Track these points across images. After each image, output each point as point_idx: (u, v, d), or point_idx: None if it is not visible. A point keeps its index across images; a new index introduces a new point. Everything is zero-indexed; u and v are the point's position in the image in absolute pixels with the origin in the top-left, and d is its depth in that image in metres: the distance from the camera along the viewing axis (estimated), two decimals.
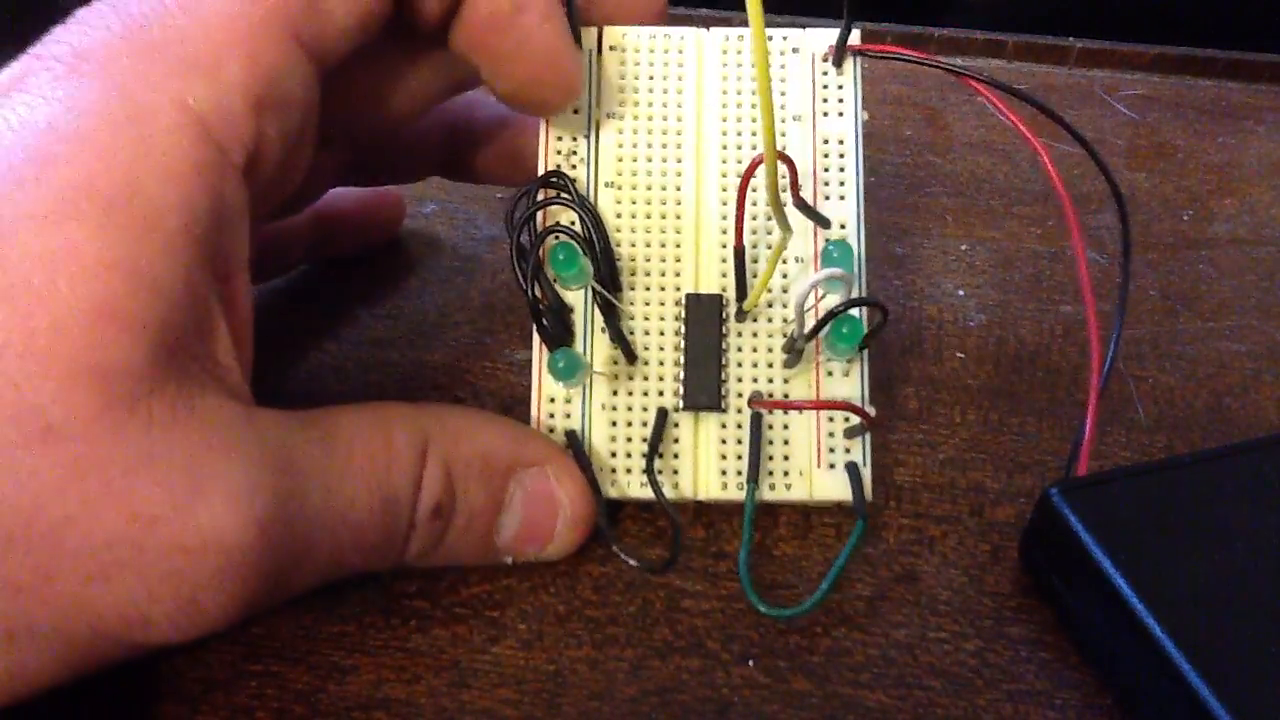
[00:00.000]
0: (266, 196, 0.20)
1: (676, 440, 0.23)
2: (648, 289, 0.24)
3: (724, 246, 0.24)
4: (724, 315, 0.24)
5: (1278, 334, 0.29)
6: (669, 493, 0.23)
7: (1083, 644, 0.22)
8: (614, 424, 0.23)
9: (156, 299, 0.17)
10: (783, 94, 0.25)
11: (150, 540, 0.16)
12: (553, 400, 0.23)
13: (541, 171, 0.24)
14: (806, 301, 0.22)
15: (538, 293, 0.23)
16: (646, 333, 0.24)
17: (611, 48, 0.24)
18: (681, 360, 0.24)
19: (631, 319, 0.24)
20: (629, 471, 0.23)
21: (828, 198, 0.24)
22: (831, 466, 0.23)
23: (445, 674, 0.22)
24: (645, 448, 0.23)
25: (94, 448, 0.16)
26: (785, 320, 0.24)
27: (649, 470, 0.22)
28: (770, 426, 0.23)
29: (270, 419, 0.19)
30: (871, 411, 0.23)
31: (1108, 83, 0.36)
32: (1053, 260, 0.30)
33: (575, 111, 0.24)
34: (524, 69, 0.22)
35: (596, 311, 0.23)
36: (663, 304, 0.24)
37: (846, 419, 0.23)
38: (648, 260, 0.24)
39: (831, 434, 0.23)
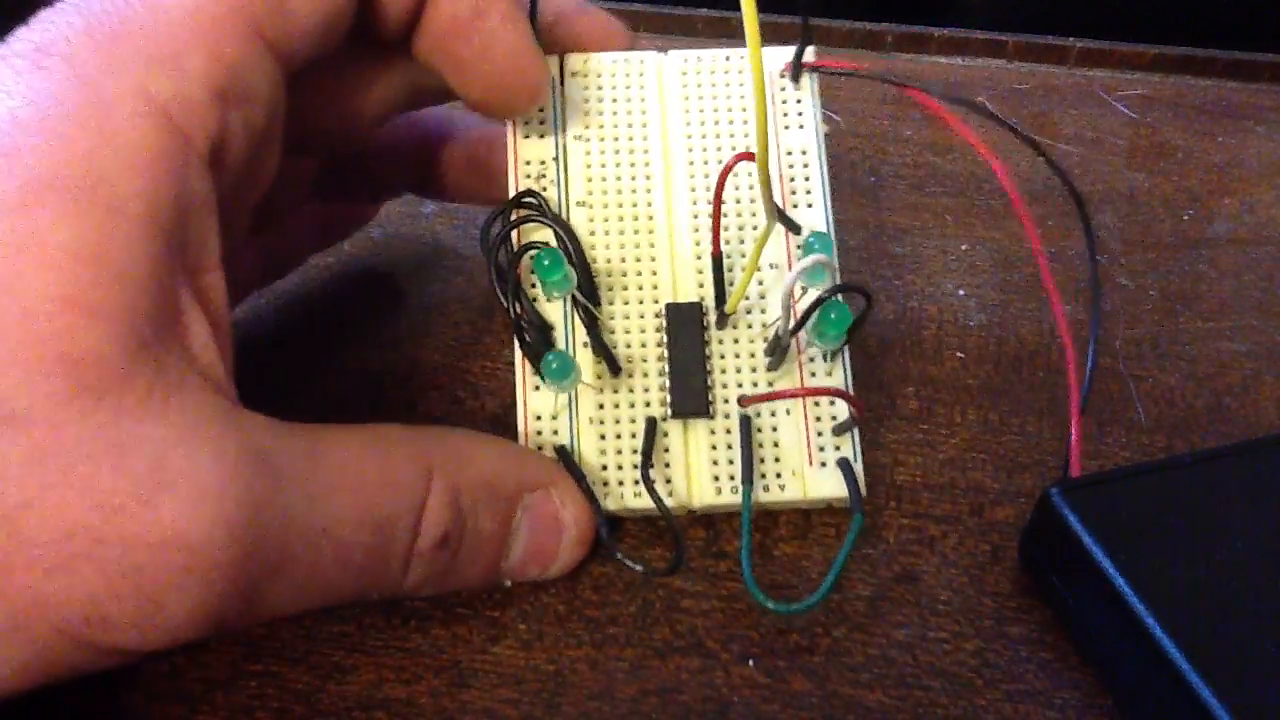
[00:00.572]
0: (237, 194, 0.20)
1: (667, 450, 0.23)
2: (626, 303, 0.24)
3: (699, 258, 0.24)
4: (705, 323, 0.24)
5: (1278, 334, 0.29)
6: (664, 502, 0.23)
7: (1083, 644, 0.22)
8: (603, 437, 0.23)
9: (124, 287, 0.17)
10: (744, 110, 0.25)
11: (111, 532, 0.16)
12: (539, 417, 0.23)
13: (513, 194, 0.24)
14: (795, 292, 0.22)
15: (518, 309, 0.23)
16: (629, 345, 0.24)
17: (574, 74, 0.25)
18: (666, 369, 0.24)
19: (613, 332, 0.24)
20: (621, 484, 0.23)
21: (795, 206, 0.25)
22: (823, 465, 0.23)
23: (445, 674, 0.22)
24: (636, 459, 0.23)
25: (57, 434, 0.16)
26: (764, 325, 0.24)
27: (644, 478, 0.22)
28: (760, 430, 0.23)
29: (255, 421, 0.18)
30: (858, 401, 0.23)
31: (1108, 83, 0.36)
32: (1053, 260, 0.30)
33: (542, 136, 0.25)
34: (488, 73, 0.22)
35: (578, 326, 0.24)
36: (642, 316, 0.24)
37: (834, 417, 0.23)
38: (624, 275, 0.24)
39: (820, 433, 0.23)
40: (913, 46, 0.37)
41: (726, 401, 0.24)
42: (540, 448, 0.23)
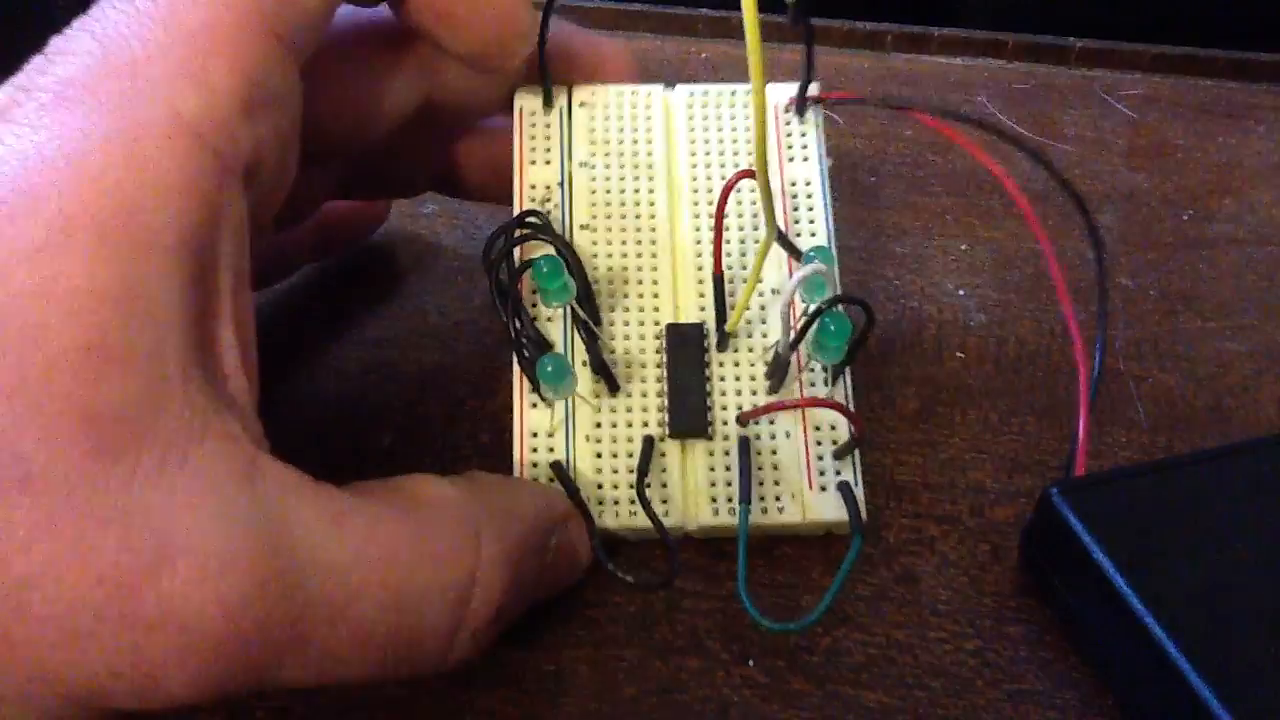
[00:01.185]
0: (266, 203, 0.20)
1: (664, 470, 0.23)
2: (626, 323, 0.24)
3: (700, 282, 0.24)
4: (705, 344, 0.24)
5: (1278, 334, 0.29)
6: (661, 521, 0.23)
7: (1083, 644, 0.22)
8: (599, 455, 0.23)
9: (153, 326, 0.16)
10: (748, 141, 0.26)
11: (112, 609, 0.15)
12: (535, 435, 0.23)
13: (517, 213, 0.24)
14: (794, 304, 0.22)
15: (518, 325, 0.23)
16: (628, 365, 0.24)
17: (581, 104, 0.26)
18: (665, 389, 0.24)
19: (613, 351, 0.24)
20: (616, 502, 0.23)
21: (799, 235, 0.25)
22: (823, 489, 0.23)
23: (445, 674, 0.21)
24: (632, 478, 0.23)
25: (70, 499, 0.15)
26: (765, 348, 0.24)
27: (640, 496, 0.22)
28: (759, 452, 0.23)
29: (277, 481, 0.17)
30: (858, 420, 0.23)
31: (1108, 83, 0.36)
32: (1054, 260, 0.30)
33: (548, 162, 0.25)
34: (479, 27, 0.22)
35: (578, 344, 0.24)
36: (643, 337, 0.24)
37: (834, 441, 0.23)
38: (625, 294, 0.24)
39: (821, 456, 0.23)
40: (913, 46, 0.37)
41: (726, 423, 0.24)
42: (535, 465, 0.23)
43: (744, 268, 0.25)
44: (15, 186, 0.16)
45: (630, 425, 0.23)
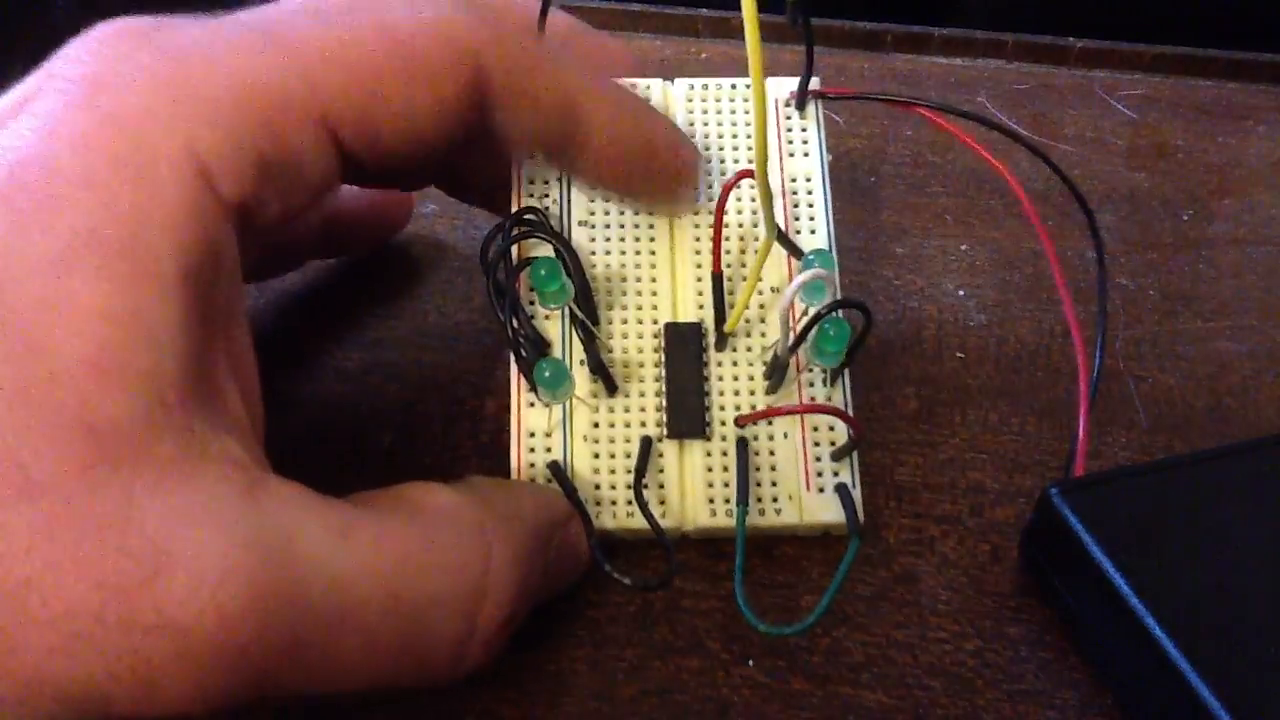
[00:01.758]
0: (260, 244, 0.20)
1: (661, 470, 0.23)
2: (624, 321, 0.24)
3: (699, 279, 0.24)
4: (704, 344, 0.24)
5: (1278, 334, 0.29)
6: (658, 521, 0.23)
7: (1083, 644, 0.22)
8: (596, 455, 0.23)
9: (155, 350, 0.16)
10: (748, 136, 0.25)
11: (110, 614, 0.15)
12: (533, 435, 0.23)
13: (514, 211, 0.24)
14: (794, 307, 0.22)
15: (515, 324, 0.23)
16: (626, 365, 0.24)
17: None
18: (663, 389, 0.24)
19: (610, 351, 0.24)
20: (614, 503, 0.23)
21: (799, 231, 0.25)
22: (821, 490, 0.23)
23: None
24: (629, 478, 0.23)
25: (69, 506, 0.15)
26: (764, 349, 0.24)
27: (637, 496, 0.22)
28: (757, 453, 0.23)
29: (281, 495, 0.17)
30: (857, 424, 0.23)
31: (1108, 83, 0.36)
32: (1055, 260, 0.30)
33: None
34: (653, 188, 0.24)
35: (575, 344, 0.24)
36: (640, 336, 0.24)
37: (833, 442, 0.23)
38: (624, 293, 0.24)
39: (819, 457, 0.23)
40: (913, 46, 0.37)
41: (724, 424, 0.23)
42: (533, 466, 0.23)
43: (743, 265, 0.25)
44: (31, 198, 0.17)
45: (628, 426, 0.23)
